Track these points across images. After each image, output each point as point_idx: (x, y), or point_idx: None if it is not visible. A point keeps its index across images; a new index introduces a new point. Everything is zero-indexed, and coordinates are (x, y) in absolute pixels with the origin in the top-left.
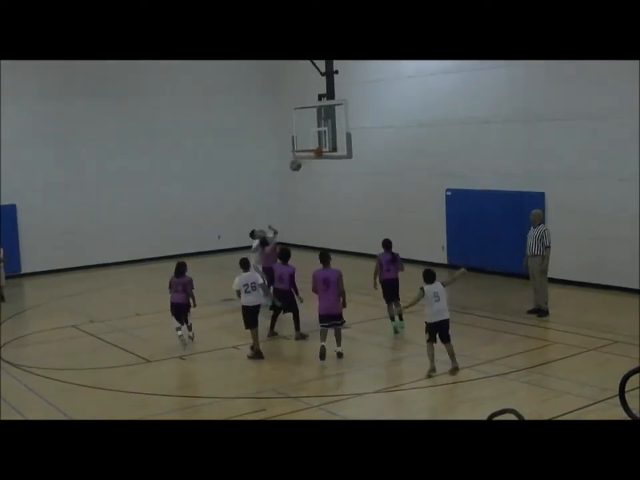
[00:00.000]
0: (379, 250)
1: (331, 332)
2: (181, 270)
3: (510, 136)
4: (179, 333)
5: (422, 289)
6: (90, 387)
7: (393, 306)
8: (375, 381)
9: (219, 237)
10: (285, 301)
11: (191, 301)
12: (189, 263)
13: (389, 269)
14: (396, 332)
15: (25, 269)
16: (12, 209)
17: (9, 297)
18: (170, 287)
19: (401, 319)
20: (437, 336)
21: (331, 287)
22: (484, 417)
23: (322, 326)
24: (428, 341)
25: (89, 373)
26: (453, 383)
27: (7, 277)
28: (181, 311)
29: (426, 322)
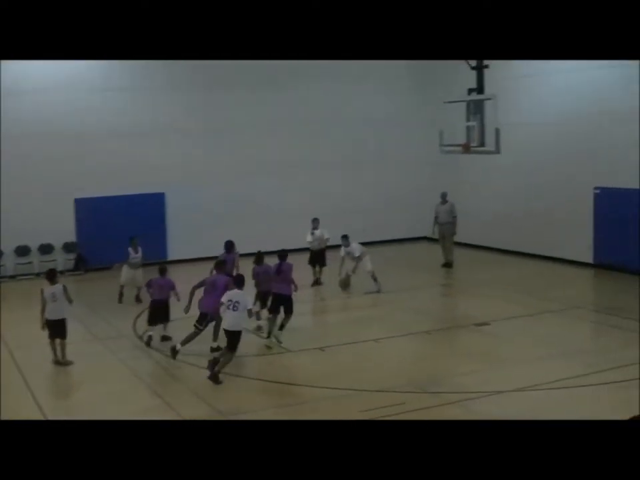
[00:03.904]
0: (522, 247)
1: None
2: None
3: None
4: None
5: None
6: (229, 373)
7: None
8: (515, 379)
9: (363, 230)
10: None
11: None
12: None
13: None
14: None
15: (172, 256)
16: (161, 197)
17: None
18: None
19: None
20: None
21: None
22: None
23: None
24: None
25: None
26: (596, 384)
27: (154, 264)
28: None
29: None
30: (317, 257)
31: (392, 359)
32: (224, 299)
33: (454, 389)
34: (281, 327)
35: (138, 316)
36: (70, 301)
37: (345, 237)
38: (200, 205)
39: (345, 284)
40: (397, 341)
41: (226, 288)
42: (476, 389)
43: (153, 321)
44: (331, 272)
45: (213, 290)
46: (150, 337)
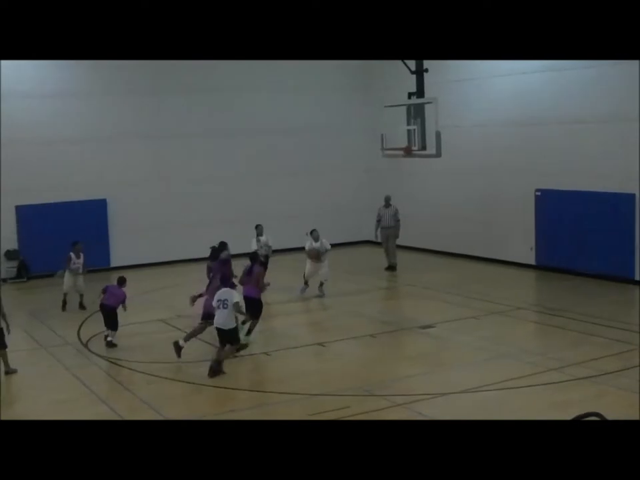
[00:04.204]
0: (466, 249)
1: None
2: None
3: (602, 136)
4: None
5: None
6: (176, 380)
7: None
8: (461, 381)
9: (307, 234)
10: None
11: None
12: (277, 259)
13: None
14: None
15: (114, 262)
16: (103, 203)
17: (98, 290)
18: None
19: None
20: None
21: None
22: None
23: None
24: None
25: (176, 366)
26: (540, 384)
27: (97, 270)
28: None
29: None
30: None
31: (338, 363)
32: (214, 301)
33: (400, 392)
34: (248, 332)
35: (82, 323)
36: (3, 315)
37: (314, 231)
38: (143, 211)
39: (318, 256)
40: (343, 345)
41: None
42: (422, 391)
43: (105, 324)
44: (274, 276)
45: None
46: (106, 337)
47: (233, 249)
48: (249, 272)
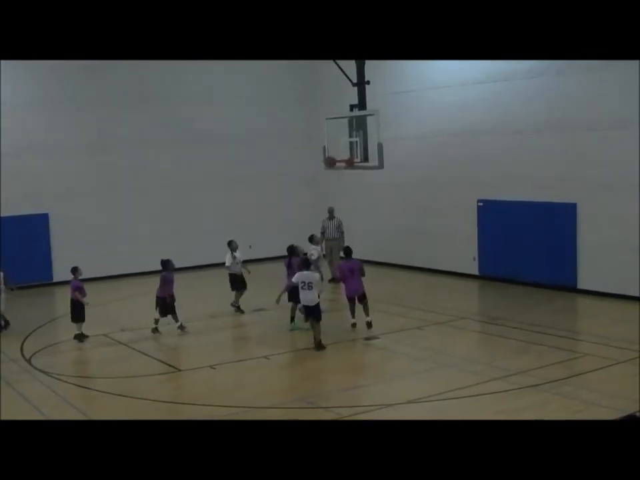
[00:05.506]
0: (409, 260)
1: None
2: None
3: (544, 146)
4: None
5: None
6: (121, 395)
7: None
8: (406, 391)
9: (250, 247)
10: None
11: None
12: (220, 272)
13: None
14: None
15: (57, 277)
16: (44, 217)
17: (41, 305)
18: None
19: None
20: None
21: (355, 275)
22: None
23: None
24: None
25: (120, 381)
26: (485, 394)
27: (38, 286)
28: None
29: None
30: (240, 281)
31: (283, 375)
32: (297, 281)
33: (345, 404)
34: (292, 320)
35: (25, 339)
36: None
37: (313, 236)
38: (86, 225)
39: None
40: (288, 357)
41: (360, 269)
42: (368, 402)
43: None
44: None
45: (352, 275)
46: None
47: (177, 262)
48: (289, 264)
